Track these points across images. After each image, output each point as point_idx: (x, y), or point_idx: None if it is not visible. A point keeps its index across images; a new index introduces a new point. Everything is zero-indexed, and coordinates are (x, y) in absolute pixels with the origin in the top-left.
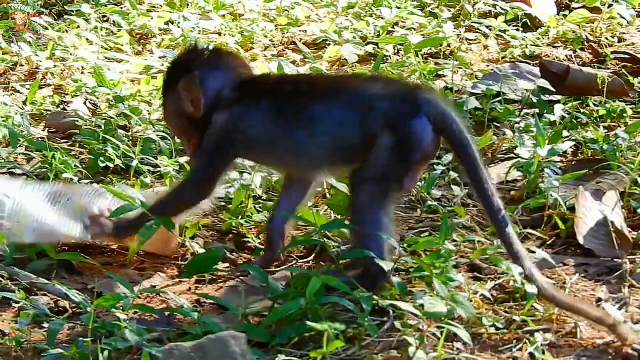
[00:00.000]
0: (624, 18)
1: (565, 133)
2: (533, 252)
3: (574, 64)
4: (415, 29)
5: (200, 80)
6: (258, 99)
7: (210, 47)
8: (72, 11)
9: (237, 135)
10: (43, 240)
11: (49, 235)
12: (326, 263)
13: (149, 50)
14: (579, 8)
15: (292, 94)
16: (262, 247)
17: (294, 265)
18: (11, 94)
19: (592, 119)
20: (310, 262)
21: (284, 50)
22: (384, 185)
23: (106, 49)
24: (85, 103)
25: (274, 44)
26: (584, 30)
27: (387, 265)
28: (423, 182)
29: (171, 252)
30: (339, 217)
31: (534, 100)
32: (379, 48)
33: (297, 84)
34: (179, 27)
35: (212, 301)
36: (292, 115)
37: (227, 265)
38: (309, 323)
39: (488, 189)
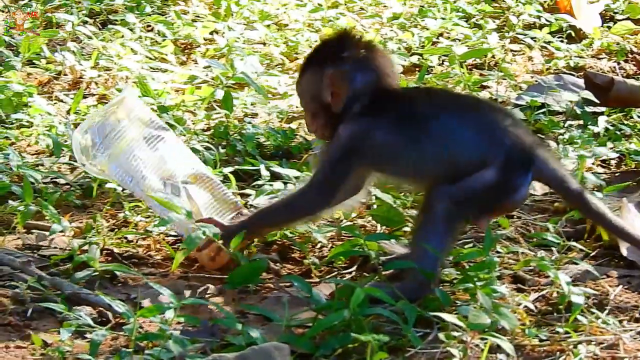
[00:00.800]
0: None
1: (609, 144)
2: (576, 263)
3: (618, 75)
4: (459, 40)
5: (349, 77)
6: (387, 110)
7: (365, 41)
8: (117, 20)
9: (364, 146)
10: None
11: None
12: (369, 274)
13: (193, 60)
14: (623, 20)
15: (422, 104)
16: (307, 256)
17: (338, 276)
18: (55, 103)
19: (636, 130)
20: (354, 272)
21: None
22: (462, 211)
23: (150, 58)
24: None
25: None
26: (628, 42)
27: (431, 277)
28: None
29: (219, 266)
30: (382, 228)
31: (578, 111)
32: (423, 59)
33: (429, 96)
34: (223, 36)
35: (255, 312)
36: (420, 125)
37: (270, 276)
38: (352, 334)
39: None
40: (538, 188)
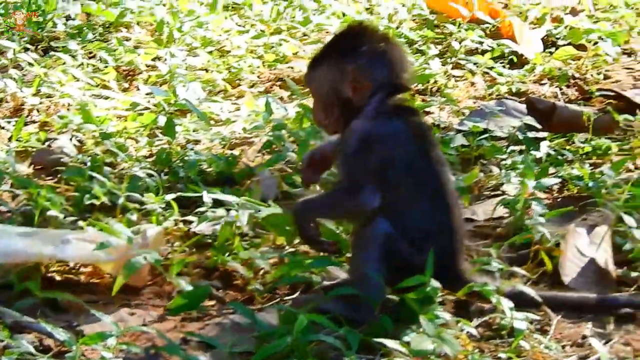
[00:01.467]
0: (609, 55)
1: (551, 170)
2: (519, 289)
3: (560, 100)
4: None
5: (370, 71)
6: (398, 116)
7: (382, 34)
8: (59, 47)
9: (376, 144)
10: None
11: (13, 255)
12: (313, 299)
13: (135, 87)
14: (564, 45)
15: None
16: (250, 283)
17: (281, 302)
18: None
19: (578, 155)
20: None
21: (271, 87)
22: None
23: (92, 85)
24: (71, 140)
25: (261, 81)
26: (570, 67)
27: (374, 303)
28: None
29: (142, 282)
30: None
31: (520, 137)
32: None
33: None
34: (165, 63)
35: (198, 339)
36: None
37: (213, 302)
38: None
39: None
40: (480, 213)
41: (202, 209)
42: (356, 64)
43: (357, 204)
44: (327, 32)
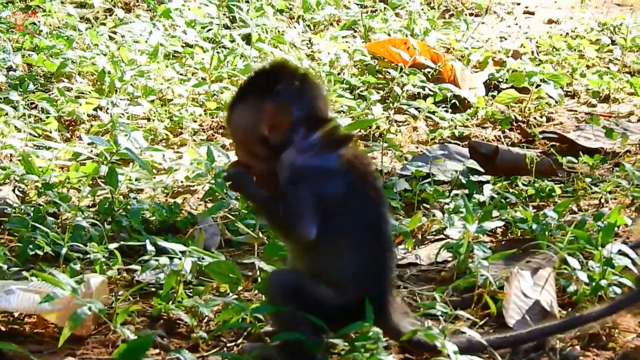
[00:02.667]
0: (552, 97)
1: (494, 213)
2: (464, 332)
3: (503, 144)
4: (344, 112)
5: (286, 108)
6: (330, 149)
7: (299, 72)
8: (0, 98)
9: (306, 180)
10: None
11: None
12: (256, 345)
13: (77, 137)
14: (507, 88)
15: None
16: (194, 330)
17: (226, 349)
18: None
19: (521, 198)
20: (241, 344)
21: (213, 135)
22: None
23: (34, 135)
24: (13, 190)
25: (203, 129)
26: (513, 110)
27: (317, 348)
28: None
29: (87, 331)
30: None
31: (463, 180)
32: None
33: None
34: (107, 112)
35: None
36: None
37: (157, 351)
38: None
39: None
40: (424, 257)
41: (145, 258)
42: (272, 102)
43: (295, 233)
44: None
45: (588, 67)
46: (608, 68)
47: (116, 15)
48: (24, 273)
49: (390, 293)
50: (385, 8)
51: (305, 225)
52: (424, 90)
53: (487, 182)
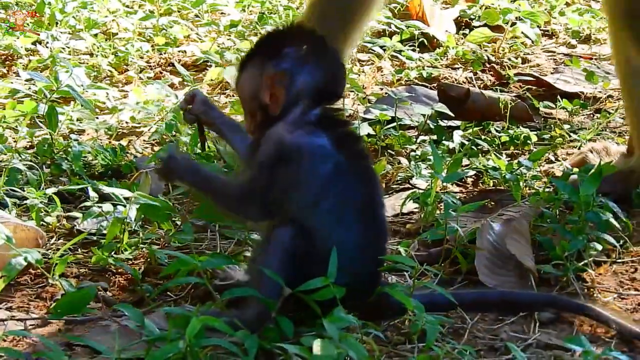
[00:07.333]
0: (528, 37)
1: (465, 161)
2: (429, 288)
3: (474, 86)
4: None
5: (289, 78)
6: (322, 129)
7: (313, 36)
8: None
9: (287, 158)
10: None
11: None
12: (207, 301)
13: (14, 73)
14: (480, 26)
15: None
16: (139, 285)
17: (172, 304)
18: None
19: (494, 145)
20: (189, 300)
21: (161, 72)
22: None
23: None
24: None
25: (150, 66)
26: (485, 50)
27: (272, 305)
28: None
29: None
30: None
31: (431, 125)
32: None
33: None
34: (47, 47)
35: (82, 343)
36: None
37: (100, 304)
38: None
39: None
40: (388, 208)
41: (87, 204)
42: (276, 68)
43: (241, 210)
44: (221, 13)
45: (567, 4)
46: (589, 6)
47: None
48: None
49: (381, 276)
50: None
51: (254, 210)
52: (390, 27)
53: (457, 127)
